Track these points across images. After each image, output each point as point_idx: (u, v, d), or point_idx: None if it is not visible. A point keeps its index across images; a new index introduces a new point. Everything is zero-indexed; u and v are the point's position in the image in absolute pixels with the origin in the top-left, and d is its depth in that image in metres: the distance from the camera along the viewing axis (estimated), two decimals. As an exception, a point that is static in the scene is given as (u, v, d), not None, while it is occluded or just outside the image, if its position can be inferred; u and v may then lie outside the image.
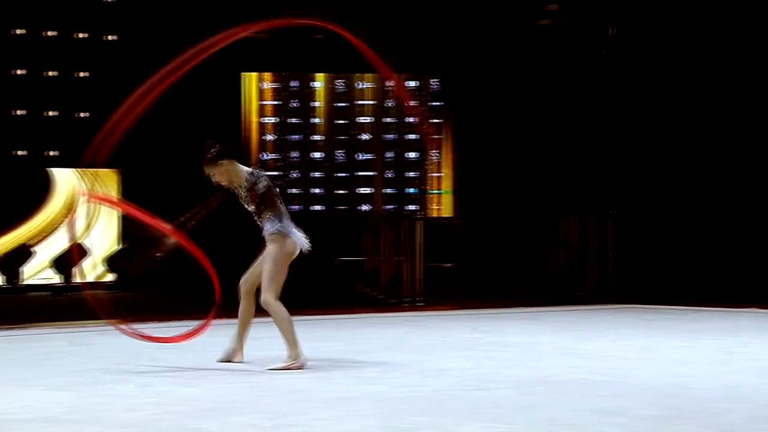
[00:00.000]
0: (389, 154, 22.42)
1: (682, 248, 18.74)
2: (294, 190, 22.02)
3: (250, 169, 8.92)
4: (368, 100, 22.43)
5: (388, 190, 22.39)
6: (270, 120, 22.14)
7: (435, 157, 22.46)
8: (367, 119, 22.42)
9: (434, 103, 22.49)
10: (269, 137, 22.12)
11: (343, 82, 22.37)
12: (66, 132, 20.16)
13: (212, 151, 8.89)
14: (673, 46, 19.38)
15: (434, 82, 22.49)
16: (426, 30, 21.99)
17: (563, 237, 18.69)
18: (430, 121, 22.43)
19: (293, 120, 22.22)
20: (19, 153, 19.89)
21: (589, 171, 20.61)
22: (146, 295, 17.54)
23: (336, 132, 22.36)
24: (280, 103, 22.15)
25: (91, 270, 19.25)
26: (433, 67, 22.44)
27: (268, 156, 22.07)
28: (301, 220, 20.66)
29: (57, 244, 19.32)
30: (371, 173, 22.37)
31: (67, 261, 19.00)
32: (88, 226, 19.58)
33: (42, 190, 19.38)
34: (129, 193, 20.00)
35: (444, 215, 22.44)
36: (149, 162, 20.58)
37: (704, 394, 7.43)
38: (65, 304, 15.64)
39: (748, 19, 18.63)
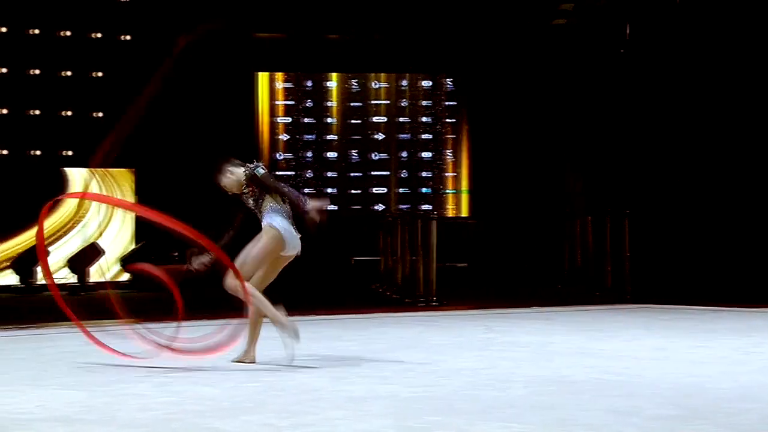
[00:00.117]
0: (403, 154, 22.41)
1: (697, 248, 18.68)
2: (308, 190, 22.01)
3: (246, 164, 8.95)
4: (382, 99, 22.42)
5: (403, 190, 22.38)
6: (284, 120, 22.15)
7: (449, 157, 22.44)
8: (382, 119, 22.41)
9: (449, 103, 22.47)
10: (283, 137, 22.13)
11: (357, 82, 22.37)
12: (80, 132, 20.21)
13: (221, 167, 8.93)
14: (689, 46, 19.33)
15: (449, 82, 22.47)
16: (440, 30, 21.98)
17: (578, 237, 18.67)
18: (445, 120, 22.41)
19: (307, 120, 22.23)
20: (34, 153, 19.93)
21: (605, 170, 20.57)
22: (160, 295, 17.54)
23: (350, 132, 22.36)
24: (294, 102, 22.16)
25: (106, 270, 19.30)
26: (448, 67, 22.43)
27: (282, 156, 22.08)
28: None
29: (71, 243, 19.36)
30: (385, 173, 22.37)
31: (81, 260, 19.05)
32: (103, 227, 19.64)
33: (56, 190, 19.41)
34: (143, 192, 20.04)
35: (458, 215, 22.42)
36: (164, 162, 20.61)
37: (720, 394, 7.40)
38: (80, 304, 15.65)
39: (764, 18, 18.56)
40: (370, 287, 18.93)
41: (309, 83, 22.24)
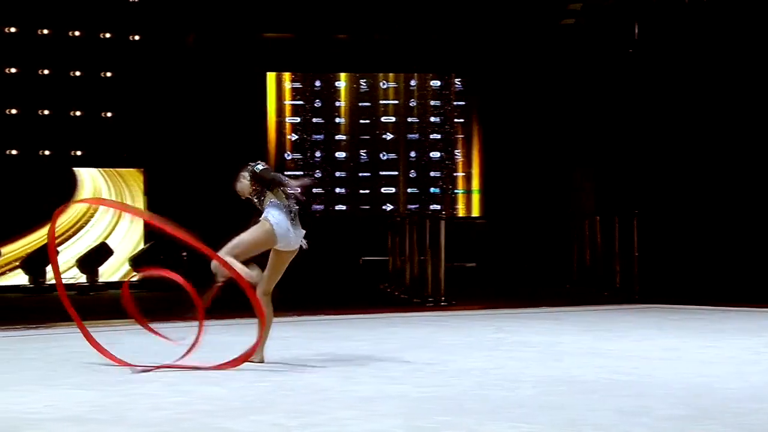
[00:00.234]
0: (412, 154, 22.41)
1: (706, 248, 18.67)
2: (317, 190, 22.04)
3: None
4: (391, 99, 22.43)
5: (412, 190, 22.38)
6: (293, 120, 22.16)
7: (458, 157, 22.44)
8: (391, 119, 22.42)
9: (458, 103, 22.47)
10: (292, 137, 22.15)
11: (367, 82, 22.38)
12: (91, 132, 20.25)
13: None
14: (698, 45, 19.31)
15: (458, 82, 22.47)
16: (449, 30, 21.98)
17: (587, 237, 18.66)
18: (455, 120, 22.42)
19: (316, 120, 22.24)
20: (45, 153, 19.97)
21: (614, 170, 20.56)
22: (170, 295, 17.57)
23: (359, 131, 22.37)
24: (303, 102, 22.17)
25: (116, 269, 19.35)
26: (457, 67, 22.43)
27: (291, 156, 22.10)
28: (324, 220, 20.64)
29: (82, 243, 19.41)
30: (394, 173, 22.37)
31: (92, 260, 19.09)
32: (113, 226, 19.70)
33: (67, 190, 19.47)
34: (153, 192, 20.08)
35: (467, 215, 22.42)
36: (173, 161, 20.65)
37: (729, 394, 7.39)
38: (90, 304, 15.69)
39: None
40: (378, 287, 18.94)
41: (318, 83, 22.26)
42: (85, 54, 20.28)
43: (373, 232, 20.46)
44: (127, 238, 19.87)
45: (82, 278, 19.07)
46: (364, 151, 22.37)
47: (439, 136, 22.44)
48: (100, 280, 18.99)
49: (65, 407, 6.86)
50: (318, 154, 22.21)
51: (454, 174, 22.43)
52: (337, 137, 22.31)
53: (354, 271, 20.69)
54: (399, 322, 13.27)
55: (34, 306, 16.20)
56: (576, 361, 9.18)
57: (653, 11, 20.12)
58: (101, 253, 19.20)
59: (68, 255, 19.18)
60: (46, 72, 20.00)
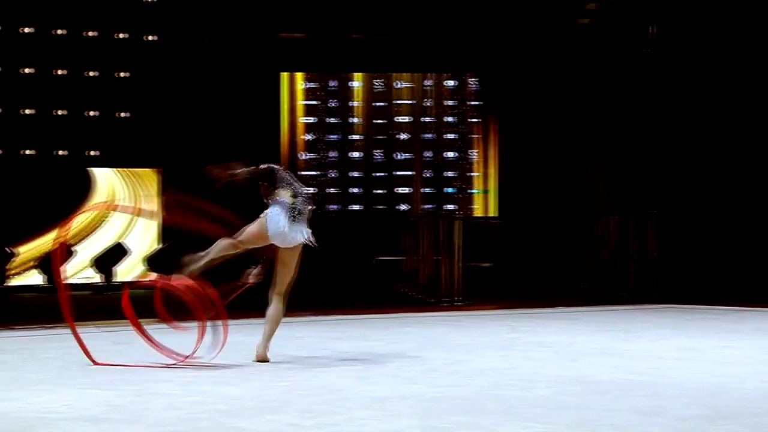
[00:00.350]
0: (427, 154, 22.40)
1: (722, 248, 18.62)
2: (332, 190, 22.05)
3: None
4: (406, 99, 22.42)
5: (427, 190, 22.38)
6: (308, 120, 22.18)
7: (473, 157, 22.42)
8: (406, 119, 22.41)
9: (473, 103, 22.46)
10: (307, 137, 22.16)
11: (382, 82, 22.38)
12: (107, 132, 20.29)
13: None
14: (714, 45, 19.26)
15: (473, 82, 22.45)
16: (465, 29, 21.96)
17: (603, 237, 18.63)
18: (470, 120, 22.40)
19: (331, 120, 22.25)
20: (60, 153, 20.03)
21: (630, 170, 20.51)
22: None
23: (374, 131, 22.37)
24: (319, 102, 22.19)
25: (131, 269, 19.39)
26: (473, 67, 22.41)
27: (306, 156, 22.11)
28: (339, 220, 20.69)
29: (98, 243, 19.45)
30: (409, 173, 22.36)
31: (108, 260, 19.13)
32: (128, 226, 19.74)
33: (83, 190, 19.51)
34: (169, 192, 20.10)
35: (482, 215, 22.40)
36: (189, 161, 20.67)
37: (746, 394, 7.38)
38: (106, 303, 15.72)
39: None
40: (393, 287, 18.95)
41: (333, 83, 22.27)
42: (101, 54, 20.32)
43: (387, 232, 20.46)
44: (144, 238, 19.91)
45: (98, 278, 19.11)
46: (379, 151, 22.36)
47: (454, 136, 22.43)
48: (115, 280, 19.03)
49: (81, 407, 6.88)
50: (333, 154, 22.22)
51: (469, 174, 22.41)
52: (352, 137, 22.32)
53: (369, 271, 20.69)
54: (414, 322, 13.27)
55: (51, 306, 16.23)
56: (591, 361, 9.17)
57: (669, 11, 20.07)
58: (117, 253, 19.24)
59: (84, 255, 19.23)
60: (62, 72, 20.05)
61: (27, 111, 19.78)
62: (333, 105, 22.21)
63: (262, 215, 9.07)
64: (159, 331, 9.40)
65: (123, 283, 18.79)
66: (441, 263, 16.37)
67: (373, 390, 7.55)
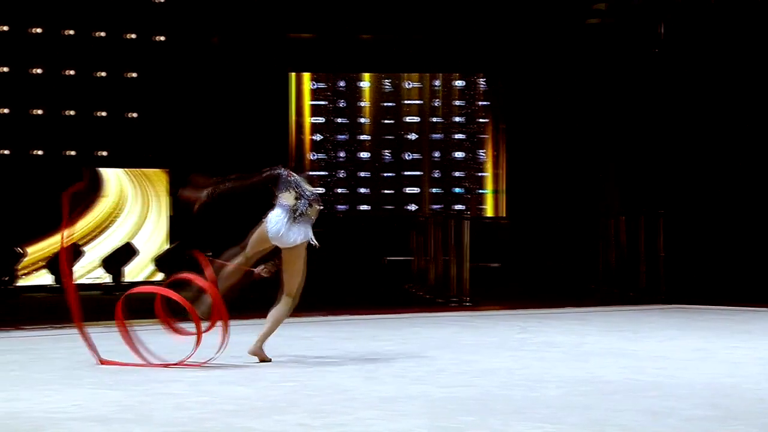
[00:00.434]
0: (436, 154, 22.39)
1: (732, 248, 18.58)
2: (341, 190, 22.05)
3: None
4: (415, 99, 22.41)
5: (435, 190, 22.37)
6: (317, 120, 22.18)
7: (482, 157, 22.41)
8: (414, 119, 22.40)
9: (482, 103, 22.44)
10: (316, 137, 22.17)
11: (390, 82, 22.37)
12: (115, 132, 20.31)
13: None
14: (724, 45, 19.23)
15: (482, 82, 22.44)
16: (474, 30, 21.95)
17: (612, 237, 18.60)
18: (479, 120, 22.39)
19: (340, 120, 22.25)
20: (69, 153, 20.04)
21: (639, 170, 20.48)
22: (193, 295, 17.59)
23: (383, 132, 22.37)
24: (327, 103, 22.19)
25: (140, 269, 19.41)
26: (482, 67, 22.40)
27: (314, 156, 22.11)
28: (348, 220, 20.67)
29: (106, 243, 19.47)
30: (418, 173, 22.36)
31: (117, 260, 19.14)
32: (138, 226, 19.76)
33: (91, 190, 19.53)
34: (178, 192, 20.10)
35: (491, 215, 22.38)
36: (198, 162, 20.68)
37: (756, 394, 7.36)
38: (115, 304, 15.71)
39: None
40: (402, 287, 18.94)
41: (342, 83, 22.27)
42: (109, 54, 20.34)
43: (396, 232, 20.45)
44: (152, 238, 19.92)
45: (108, 278, 19.13)
46: (388, 151, 22.36)
47: (463, 136, 22.42)
48: (124, 280, 19.03)
49: (91, 407, 6.88)
50: (342, 154, 22.22)
51: (478, 174, 22.39)
52: (361, 137, 22.32)
53: (378, 271, 20.68)
54: (423, 323, 13.27)
55: (60, 306, 16.24)
56: (601, 361, 9.15)
57: (679, 11, 20.04)
58: (126, 253, 19.25)
59: (93, 255, 19.25)
60: (70, 72, 20.07)
61: (35, 111, 19.81)
62: (342, 105, 22.22)
63: (263, 219, 9.14)
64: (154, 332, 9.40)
65: (132, 284, 18.86)
66: (450, 263, 16.35)
67: (381, 390, 7.54)
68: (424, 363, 9.06)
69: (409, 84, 22.38)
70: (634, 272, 17.88)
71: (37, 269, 19.03)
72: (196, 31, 20.96)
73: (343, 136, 22.24)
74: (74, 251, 18.97)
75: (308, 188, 9.24)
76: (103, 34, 20.25)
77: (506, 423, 6.29)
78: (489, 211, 22.32)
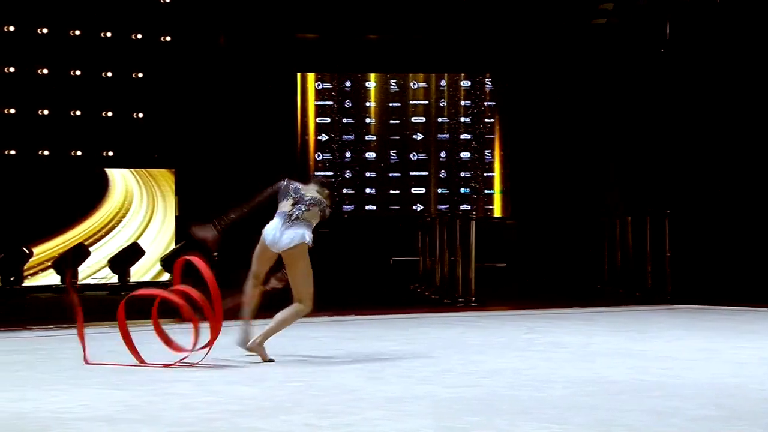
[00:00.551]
0: (442, 154, 22.40)
1: (738, 248, 18.57)
2: (347, 190, 22.06)
3: None
4: (421, 99, 22.42)
5: (442, 190, 22.38)
6: (323, 120, 22.20)
7: (488, 157, 22.42)
8: (421, 119, 22.41)
9: (488, 103, 22.45)
10: (322, 137, 22.18)
11: (396, 82, 22.38)
12: (122, 132, 20.34)
13: None
14: (729, 45, 19.22)
15: (488, 82, 22.44)
16: (480, 30, 21.95)
17: (618, 237, 18.59)
18: (485, 120, 22.40)
19: (346, 120, 22.27)
20: (76, 153, 20.07)
21: (645, 170, 20.48)
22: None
23: (389, 132, 22.38)
24: (333, 103, 22.21)
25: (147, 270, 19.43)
26: (487, 67, 22.40)
27: (321, 156, 22.13)
28: (354, 220, 20.69)
29: (113, 243, 19.49)
30: (424, 173, 22.37)
31: (123, 260, 19.17)
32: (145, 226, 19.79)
33: (98, 190, 19.57)
34: (184, 192, 20.14)
35: (497, 215, 22.39)
36: (204, 162, 20.72)
37: (761, 394, 7.36)
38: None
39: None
40: (409, 287, 18.94)
41: (348, 84, 22.28)
42: (116, 55, 20.38)
43: (403, 233, 20.46)
44: (159, 238, 19.94)
45: (114, 278, 19.16)
46: (394, 151, 22.38)
47: (469, 136, 22.43)
48: (131, 280, 19.06)
49: (98, 407, 6.89)
50: (348, 154, 22.24)
51: (485, 174, 22.40)
52: (367, 137, 22.33)
53: (384, 272, 20.70)
54: (429, 323, 13.26)
55: (67, 306, 16.26)
56: (607, 361, 9.15)
57: (684, 11, 20.02)
58: (132, 253, 19.28)
59: (100, 255, 19.28)
60: (77, 73, 20.10)
61: (42, 111, 19.83)
62: (348, 105, 22.23)
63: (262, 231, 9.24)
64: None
65: (139, 284, 18.89)
66: (456, 263, 16.36)
67: (387, 390, 7.55)
68: (430, 363, 9.06)
69: (415, 84, 22.39)
70: (640, 272, 17.88)
71: (43, 269, 19.07)
72: (202, 31, 20.99)
73: (349, 137, 22.26)
74: (81, 252, 19.02)
75: (310, 194, 9.22)
76: (109, 34, 20.28)
77: (513, 423, 6.29)
78: (497, 211, 22.32)
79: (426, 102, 22.43)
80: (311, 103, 22.17)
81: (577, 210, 21.30)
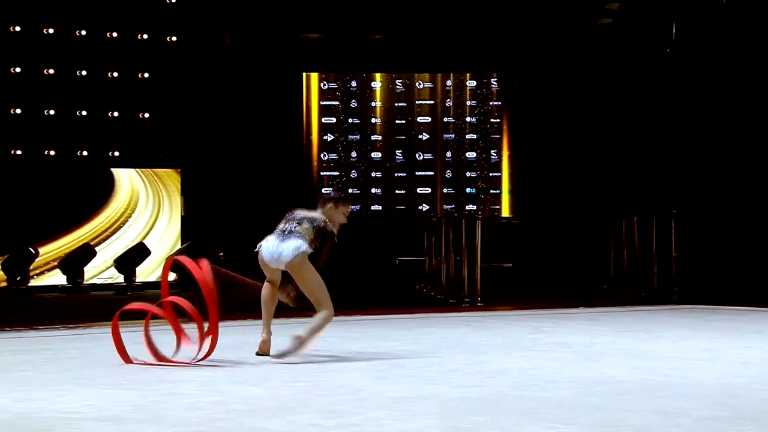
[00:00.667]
0: (448, 154, 22.39)
1: (744, 248, 18.55)
2: (353, 190, 22.06)
3: None
4: (427, 99, 22.42)
5: (447, 190, 22.37)
6: (329, 120, 22.20)
7: (494, 157, 22.41)
8: (426, 119, 22.41)
9: (494, 103, 22.44)
10: (328, 137, 22.18)
11: (402, 82, 22.38)
12: (128, 132, 20.36)
13: None
14: (735, 45, 19.20)
15: (494, 82, 22.43)
16: (486, 30, 21.94)
17: (624, 237, 18.58)
18: (491, 120, 22.39)
19: (352, 120, 22.27)
20: (82, 153, 20.09)
21: (651, 170, 20.47)
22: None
23: (395, 132, 22.38)
24: (339, 103, 22.20)
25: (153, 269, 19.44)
26: (493, 67, 22.39)
27: (326, 156, 22.13)
28: (360, 221, 20.78)
29: (119, 243, 19.51)
30: (430, 173, 22.36)
31: (129, 260, 19.18)
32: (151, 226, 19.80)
33: (104, 190, 19.58)
34: (190, 192, 20.15)
35: (503, 215, 22.38)
36: (210, 162, 20.73)
37: (766, 395, 7.35)
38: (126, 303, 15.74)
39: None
40: (414, 287, 18.94)
41: (354, 83, 22.28)
42: (122, 55, 20.39)
43: (409, 233, 20.46)
44: (165, 238, 19.95)
45: (120, 278, 19.17)
46: (400, 151, 22.37)
47: (475, 136, 22.42)
48: (137, 280, 19.07)
49: (103, 407, 6.89)
50: (353, 154, 22.23)
51: (491, 174, 22.39)
52: (373, 137, 22.33)
53: (390, 272, 20.70)
54: (435, 323, 13.26)
55: (73, 306, 16.30)
56: (613, 361, 9.14)
57: (690, 11, 20.01)
58: (138, 253, 19.29)
59: (106, 255, 19.30)
60: (83, 73, 20.12)
61: (48, 111, 19.85)
62: (354, 105, 22.23)
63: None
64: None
65: (145, 284, 18.89)
66: (462, 263, 16.36)
67: (393, 390, 7.55)
68: (436, 363, 9.06)
69: (420, 84, 22.39)
70: (646, 272, 17.87)
71: (49, 269, 19.09)
72: (208, 31, 21.01)
73: (354, 137, 22.25)
74: (87, 252, 19.04)
75: (302, 215, 9.29)
76: (115, 34, 20.30)
77: (518, 423, 6.29)
78: (505, 211, 22.31)
79: (432, 102, 22.42)
80: (318, 102, 22.15)
81: (583, 210, 21.28)
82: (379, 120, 22.36)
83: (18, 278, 18.36)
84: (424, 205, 22.25)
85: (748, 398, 7.20)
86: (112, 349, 9.15)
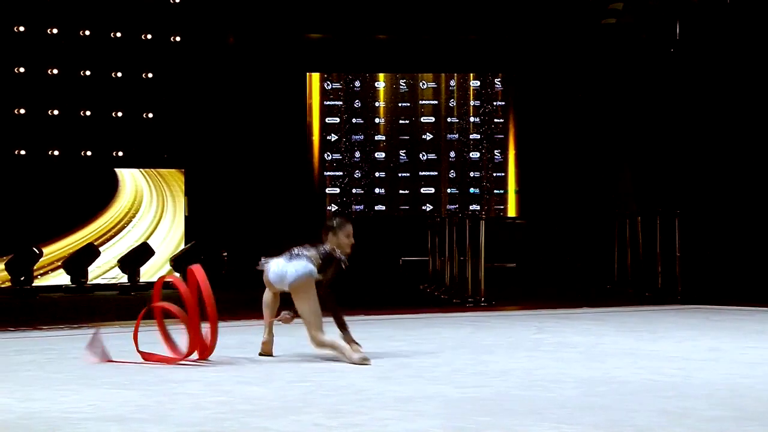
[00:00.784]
0: (452, 154, 22.39)
1: (749, 247, 18.54)
2: (356, 191, 22.06)
3: None
4: (430, 99, 22.42)
5: (451, 190, 22.37)
6: (333, 120, 22.20)
7: (498, 157, 22.41)
8: (430, 119, 22.41)
9: (498, 103, 22.43)
10: (332, 137, 22.19)
11: (406, 82, 22.38)
12: (132, 132, 20.37)
13: None
14: (739, 45, 19.19)
15: (498, 82, 22.43)
16: (490, 30, 21.94)
17: (628, 237, 18.57)
18: (494, 120, 22.38)
19: (356, 120, 22.27)
20: (86, 153, 20.10)
21: (655, 170, 20.46)
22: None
23: (398, 132, 22.38)
24: (343, 103, 22.21)
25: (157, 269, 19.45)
26: (497, 67, 22.39)
27: (330, 156, 22.13)
28: (363, 221, 20.81)
29: (123, 243, 19.52)
30: (434, 173, 22.36)
31: (133, 260, 19.20)
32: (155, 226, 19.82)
33: (108, 191, 19.60)
34: (194, 192, 20.16)
35: (507, 215, 22.38)
36: (214, 162, 20.74)
37: (772, 395, 7.34)
38: (132, 303, 15.77)
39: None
40: (418, 288, 18.94)
41: (357, 84, 22.29)
42: (126, 55, 20.41)
43: (412, 233, 20.46)
44: (169, 238, 19.97)
45: (124, 278, 19.19)
46: (404, 151, 22.37)
47: (478, 136, 22.42)
48: (141, 280, 19.08)
49: (107, 407, 6.89)
50: (357, 154, 22.24)
51: (494, 174, 22.39)
52: (377, 137, 22.33)
53: (394, 272, 20.69)
54: (439, 323, 13.25)
55: (77, 306, 16.30)
56: (617, 361, 9.13)
57: (694, 11, 20.00)
58: (142, 253, 19.30)
59: (110, 255, 19.31)
60: (87, 73, 20.13)
61: (52, 111, 19.87)
62: (357, 105, 22.24)
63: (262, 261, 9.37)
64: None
65: (149, 284, 18.90)
66: (466, 264, 16.36)
67: (397, 390, 7.54)
68: (440, 363, 9.05)
69: (424, 84, 22.39)
70: (650, 272, 17.85)
71: (53, 269, 19.10)
72: (212, 31, 21.02)
73: (358, 137, 22.26)
74: (91, 251, 19.06)
75: (319, 246, 9.29)
76: (119, 34, 20.31)
77: (522, 423, 6.28)
78: (510, 211, 22.31)
79: (435, 102, 22.43)
80: (322, 102, 22.15)
81: (587, 210, 21.27)
82: (382, 120, 22.36)
83: (22, 278, 18.38)
84: (427, 205, 22.25)
85: (753, 398, 7.18)
86: (115, 349, 9.14)
